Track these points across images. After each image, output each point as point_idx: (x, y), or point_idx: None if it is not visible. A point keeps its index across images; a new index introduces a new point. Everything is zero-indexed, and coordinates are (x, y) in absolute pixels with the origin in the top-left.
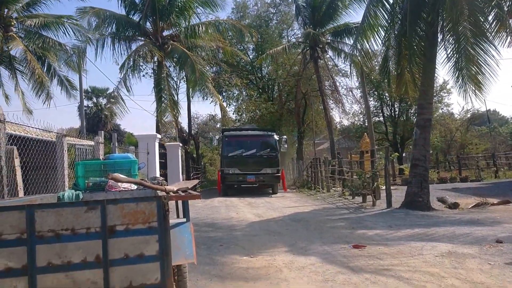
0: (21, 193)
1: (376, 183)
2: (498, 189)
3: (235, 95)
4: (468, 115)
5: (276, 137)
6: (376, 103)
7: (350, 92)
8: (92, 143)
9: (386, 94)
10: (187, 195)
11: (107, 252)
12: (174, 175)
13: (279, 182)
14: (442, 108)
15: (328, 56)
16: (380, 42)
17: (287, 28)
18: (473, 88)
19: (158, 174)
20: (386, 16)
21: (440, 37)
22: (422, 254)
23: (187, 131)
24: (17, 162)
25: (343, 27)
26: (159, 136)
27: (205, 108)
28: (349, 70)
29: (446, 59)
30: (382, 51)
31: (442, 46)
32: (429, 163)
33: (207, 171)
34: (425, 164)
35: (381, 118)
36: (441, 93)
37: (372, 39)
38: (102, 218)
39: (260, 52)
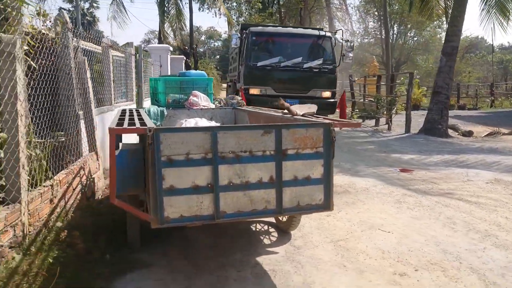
0: (92, 106)
1: (395, 108)
2: (500, 118)
3: (239, 6)
4: (466, 44)
5: (333, 40)
6: (375, 24)
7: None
8: (122, 55)
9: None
10: (351, 123)
11: (280, 174)
12: None
13: (333, 112)
14: (440, 33)
15: None
16: None
17: None
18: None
19: None
20: None
21: None
22: (472, 180)
23: (189, 43)
24: (88, 73)
25: None
26: (171, 48)
27: (204, 21)
28: None
29: None
30: None
31: None
32: (451, 91)
33: None
34: (448, 92)
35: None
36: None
37: None
38: (277, 141)
39: None
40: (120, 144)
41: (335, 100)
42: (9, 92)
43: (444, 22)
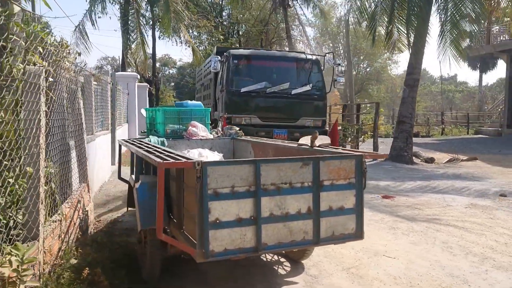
0: (84, 135)
1: (363, 136)
2: (452, 145)
3: (202, 37)
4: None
5: (320, 64)
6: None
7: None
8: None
9: (341, 46)
10: (378, 154)
11: (318, 204)
12: (142, 116)
13: None
14: (390, 65)
15: (297, 4)
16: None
17: None
18: (454, 53)
19: (137, 116)
20: None
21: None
22: (451, 206)
23: (151, 72)
24: (81, 103)
25: None
26: (138, 76)
27: (159, 48)
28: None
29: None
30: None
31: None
32: (414, 121)
33: None
34: (411, 121)
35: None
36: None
37: None
38: (314, 173)
39: None
40: (140, 177)
41: (326, 129)
42: (35, 125)
43: (395, 55)
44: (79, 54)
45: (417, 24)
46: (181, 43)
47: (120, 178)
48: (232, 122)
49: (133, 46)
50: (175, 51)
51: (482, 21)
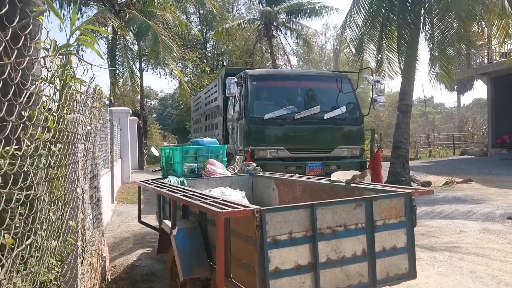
0: (99, 177)
1: None
2: (443, 167)
3: (189, 70)
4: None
5: (352, 82)
6: None
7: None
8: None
9: None
10: (425, 191)
11: (373, 246)
12: (133, 151)
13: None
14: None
15: (281, 34)
16: (357, 30)
17: (233, 2)
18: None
19: (129, 152)
20: (369, 4)
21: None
22: (464, 231)
23: (139, 105)
24: (97, 143)
25: (297, 7)
26: (130, 111)
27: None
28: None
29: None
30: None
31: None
32: (409, 145)
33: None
34: (407, 146)
35: None
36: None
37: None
38: (367, 213)
39: (207, 27)
40: (177, 223)
41: (364, 159)
42: (75, 176)
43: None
44: (110, 101)
45: (407, 51)
46: (166, 75)
47: (140, 221)
48: (256, 156)
49: (120, 80)
50: (156, 82)
51: (464, 46)
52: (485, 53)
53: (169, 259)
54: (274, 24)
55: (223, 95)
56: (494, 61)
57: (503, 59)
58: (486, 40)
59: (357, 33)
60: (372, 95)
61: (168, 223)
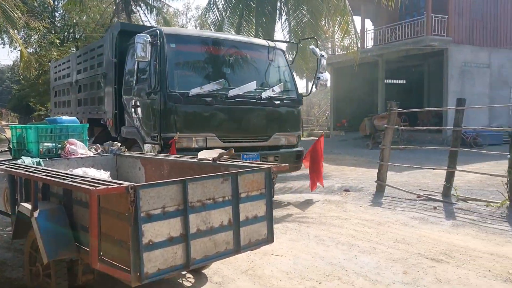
0: None
1: None
2: None
3: (34, 40)
4: None
5: (286, 55)
6: None
7: None
8: None
9: None
10: (283, 166)
11: (238, 216)
12: None
13: (299, 168)
14: None
15: (141, 10)
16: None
17: None
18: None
19: None
20: None
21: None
22: (310, 203)
23: None
24: None
25: None
26: None
27: None
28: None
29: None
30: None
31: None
32: None
33: None
34: None
35: None
36: None
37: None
38: (233, 187)
39: None
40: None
41: (301, 150)
42: None
43: None
44: None
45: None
46: (4, 44)
47: None
48: (177, 146)
49: None
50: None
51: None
52: (329, 46)
53: (27, 244)
54: None
55: (115, 60)
56: (337, 53)
57: (343, 52)
58: (331, 34)
59: (218, 16)
60: (317, 72)
61: (28, 205)
